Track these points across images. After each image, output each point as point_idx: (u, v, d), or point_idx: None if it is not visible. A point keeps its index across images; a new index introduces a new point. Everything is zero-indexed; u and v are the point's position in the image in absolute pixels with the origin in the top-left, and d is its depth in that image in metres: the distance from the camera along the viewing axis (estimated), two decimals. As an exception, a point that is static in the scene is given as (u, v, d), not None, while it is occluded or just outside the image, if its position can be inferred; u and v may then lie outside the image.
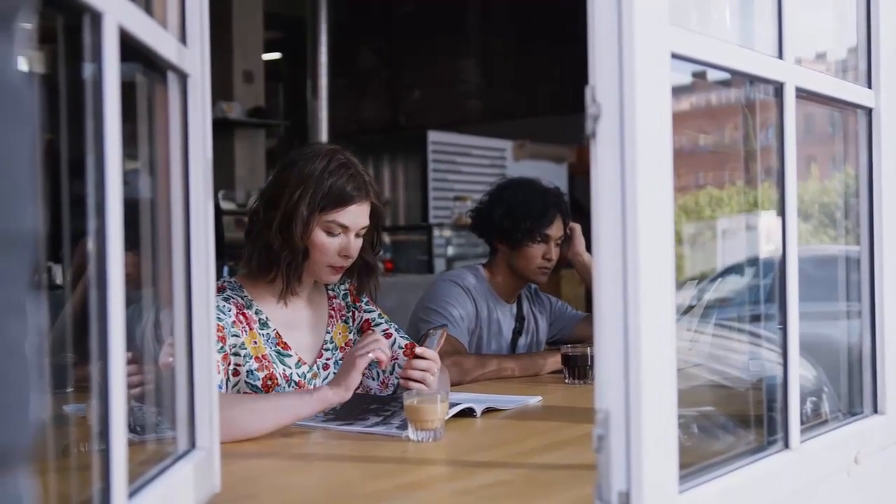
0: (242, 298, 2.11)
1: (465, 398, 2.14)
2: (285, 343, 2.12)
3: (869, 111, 1.72)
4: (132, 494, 1.04)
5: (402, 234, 7.44)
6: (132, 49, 1.07)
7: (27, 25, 0.57)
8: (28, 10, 0.56)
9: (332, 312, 2.25)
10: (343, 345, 2.24)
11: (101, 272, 0.96)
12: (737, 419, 1.63)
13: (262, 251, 2.09)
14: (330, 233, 2.08)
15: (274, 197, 2.08)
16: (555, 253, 2.89)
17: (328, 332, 2.22)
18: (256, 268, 2.10)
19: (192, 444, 1.32)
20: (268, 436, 1.81)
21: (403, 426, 1.82)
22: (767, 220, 1.77)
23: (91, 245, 0.96)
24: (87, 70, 0.97)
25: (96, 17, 0.96)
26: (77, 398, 1.37)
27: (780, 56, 1.44)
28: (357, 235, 2.11)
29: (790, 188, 1.45)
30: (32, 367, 0.53)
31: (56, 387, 1.31)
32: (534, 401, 2.25)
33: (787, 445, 1.44)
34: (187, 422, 1.32)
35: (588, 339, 2.85)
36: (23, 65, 0.55)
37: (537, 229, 2.84)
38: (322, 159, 2.07)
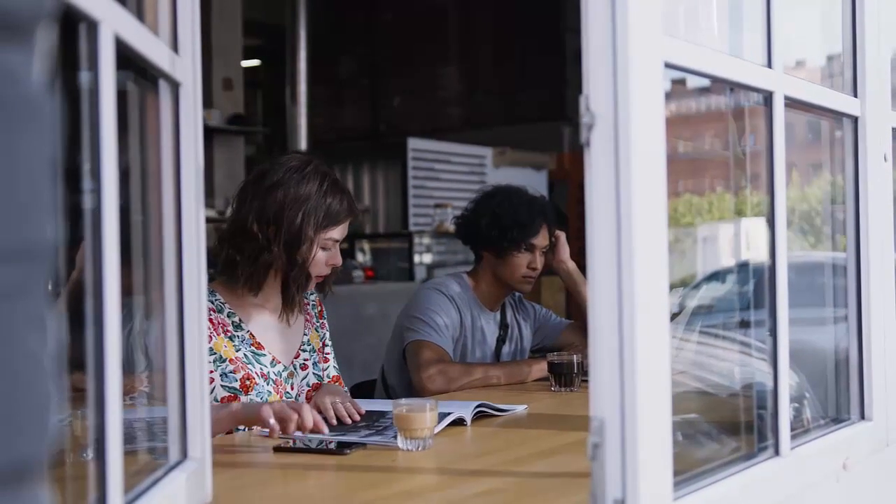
0: (213, 302, 2.15)
1: (453, 406, 2.13)
2: (259, 343, 2.18)
3: (855, 119, 1.74)
4: (127, 506, 1.04)
5: (382, 242, 7.42)
6: (124, 57, 1.07)
7: (46, 37, 0.56)
8: (48, 22, 0.55)
9: (308, 316, 2.34)
10: (317, 349, 2.32)
11: (97, 281, 0.95)
12: (726, 426, 1.64)
13: (262, 268, 2.13)
14: (325, 248, 2.19)
15: (270, 217, 2.12)
16: (540, 262, 2.88)
17: (305, 335, 2.30)
18: (257, 284, 2.14)
19: (185, 455, 1.31)
20: (259, 446, 1.80)
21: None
22: (748, 227, 1.78)
23: (87, 252, 0.95)
24: (83, 78, 0.97)
25: (92, 26, 0.95)
26: (62, 408, 1.36)
27: (769, 65, 1.45)
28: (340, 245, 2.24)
29: (779, 195, 1.46)
30: (52, 379, 0.52)
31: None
32: (520, 409, 2.25)
33: (777, 452, 1.45)
34: (179, 432, 1.31)
35: (572, 346, 2.86)
36: (41, 76, 0.54)
37: (523, 238, 2.84)
38: (313, 179, 2.15)
